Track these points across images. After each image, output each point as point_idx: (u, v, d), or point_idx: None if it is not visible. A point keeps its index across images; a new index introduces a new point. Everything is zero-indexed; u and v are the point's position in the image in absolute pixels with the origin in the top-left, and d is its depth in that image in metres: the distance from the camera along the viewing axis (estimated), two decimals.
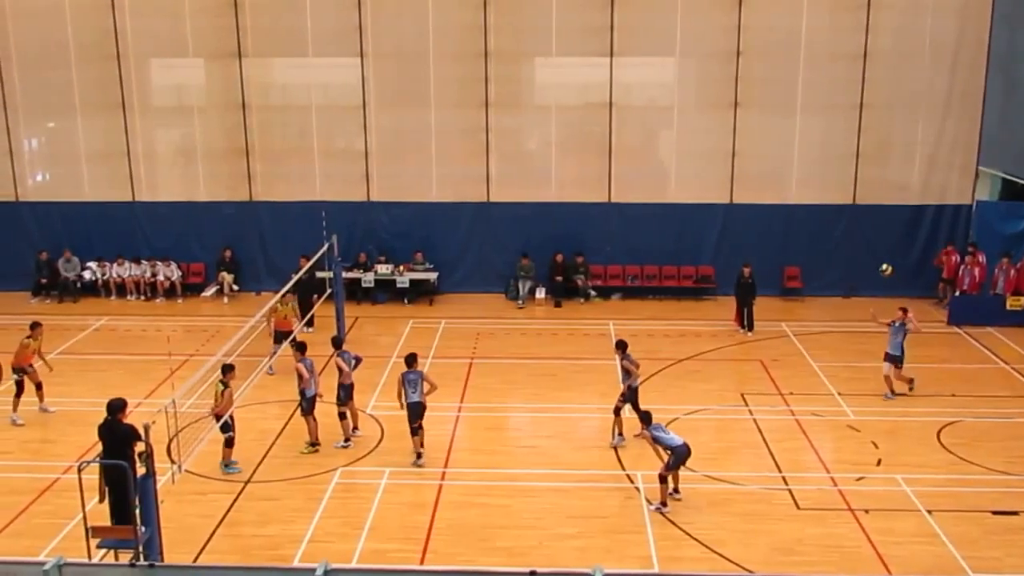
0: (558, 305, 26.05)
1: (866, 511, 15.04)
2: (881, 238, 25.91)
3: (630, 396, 17.30)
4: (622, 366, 17.34)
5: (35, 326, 19.24)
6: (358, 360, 17.78)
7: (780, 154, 26.13)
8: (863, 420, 18.43)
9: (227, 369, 16.24)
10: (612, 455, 17.06)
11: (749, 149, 25.95)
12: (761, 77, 25.53)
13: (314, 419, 17.33)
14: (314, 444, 17.35)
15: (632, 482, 16.07)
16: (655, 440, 15.29)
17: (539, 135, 27.11)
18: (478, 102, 26.06)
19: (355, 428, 17.83)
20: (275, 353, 20.42)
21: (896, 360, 19.34)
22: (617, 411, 17.40)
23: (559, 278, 26.19)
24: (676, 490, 15.46)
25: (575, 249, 26.26)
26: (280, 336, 20.66)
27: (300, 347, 17.54)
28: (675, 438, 15.29)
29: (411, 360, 16.93)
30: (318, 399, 17.38)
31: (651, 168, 26.96)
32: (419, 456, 16.81)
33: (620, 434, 17.37)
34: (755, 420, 18.54)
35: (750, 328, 23.51)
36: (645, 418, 15.67)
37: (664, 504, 15.13)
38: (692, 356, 21.62)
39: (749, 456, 17.07)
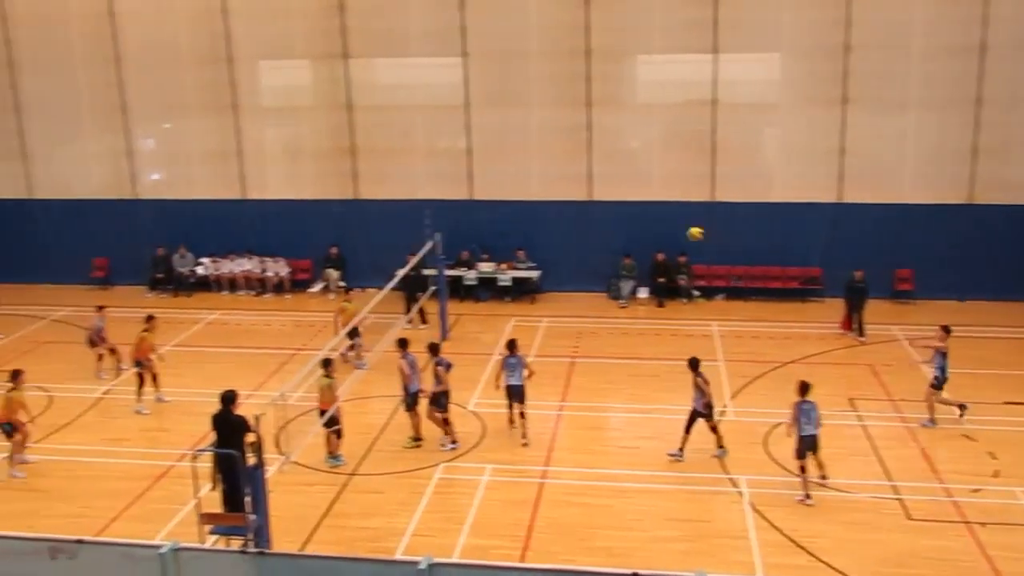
0: (660, 305, 25.83)
1: (982, 524, 14.52)
2: (1000, 239, 24.97)
3: (705, 412, 16.81)
4: (695, 384, 16.76)
5: (150, 319, 20.03)
6: (449, 366, 17.79)
7: (891, 151, 25.39)
8: (979, 429, 17.77)
9: (327, 363, 16.57)
10: (714, 459, 16.83)
11: (858, 146, 25.29)
12: (871, 72, 24.82)
13: (417, 414, 17.55)
14: (417, 439, 17.56)
15: (736, 487, 15.83)
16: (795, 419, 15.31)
17: (640, 133, 26.92)
18: (579, 100, 26.00)
19: (418, 438, 17.66)
20: (353, 346, 21.27)
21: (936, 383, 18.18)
22: (691, 425, 16.85)
23: (661, 278, 25.96)
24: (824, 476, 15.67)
25: (677, 249, 25.99)
26: (352, 333, 21.23)
27: (403, 344, 17.79)
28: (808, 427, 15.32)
29: (512, 345, 17.66)
30: (421, 395, 17.58)
31: (755, 166, 26.49)
32: (524, 437, 17.47)
33: (680, 450, 16.84)
34: (864, 426, 18.06)
35: (860, 333, 22.89)
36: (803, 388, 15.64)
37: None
38: (797, 359, 21.18)
39: (858, 463, 16.63)
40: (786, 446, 16.61)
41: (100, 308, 21.75)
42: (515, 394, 17.57)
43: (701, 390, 16.69)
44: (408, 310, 23.27)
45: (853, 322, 23.06)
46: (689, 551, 13.99)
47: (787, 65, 25.84)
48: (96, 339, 21.29)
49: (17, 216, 28.87)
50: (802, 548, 14.00)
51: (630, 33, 25.74)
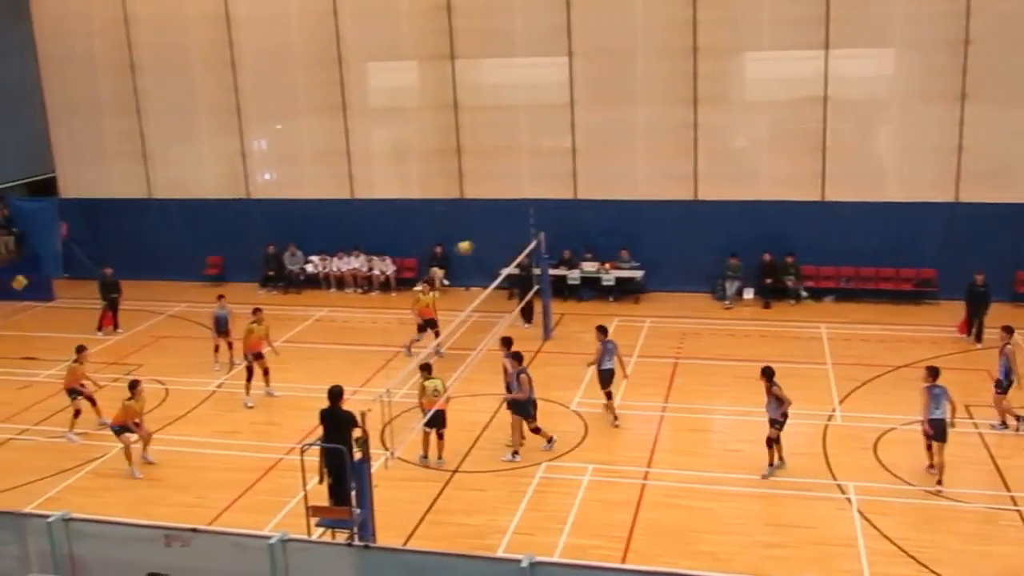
0: (767, 306, 25.38)
1: None
2: None
3: (780, 420, 16.23)
4: (772, 394, 16.13)
5: (256, 311, 20.57)
6: (529, 378, 17.36)
7: (1012, 148, 24.37)
8: None
9: (425, 368, 16.80)
10: (822, 463, 16.48)
11: (978, 144, 24.38)
12: (992, 66, 23.88)
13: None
14: (549, 440, 17.47)
15: (844, 493, 15.46)
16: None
17: (749, 131, 26.49)
18: (686, 98, 25.73)
19: (549, 439, 17.62)
20: (417, 340, 22.16)
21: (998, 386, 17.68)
22: (770, 442, 16.31)
23: (768, 279, 25.50)
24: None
25: (785, 249, 25.50)
26: (424, 324, 22.01)
27: (507, 343, 18.05)
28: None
29: (603, 330, 18.75)
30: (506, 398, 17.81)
31: (867, 165, 25.78)
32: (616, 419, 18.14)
33: (775, 462, 16.37)
34: (981, 434, 17.44)
35: (978, 338, 22.05)
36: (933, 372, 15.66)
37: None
38: (910, 363, 20.51)
39: (974, 472, 16.07)
40: (897, 452, 16.21)
41: (220, 297, 22.44)
42: (605, 379, 18.27)
43: (779, 399, 16.11)
44: (522, 309, 23.82)
45: (972, 326, 22.27)
46: (793, 557, 13.74)
47: (902, 60, 25.08)
48: (223, 327, 21.86)
49: (137, 215, 30.06)
50: (912, 558, 13.60)
51: (738, 29, 25.37)
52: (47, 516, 10.89)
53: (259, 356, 20.04)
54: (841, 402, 18.95)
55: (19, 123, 30.65)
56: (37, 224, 31.09)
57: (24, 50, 29.99)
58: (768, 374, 16.21)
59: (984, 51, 23.89)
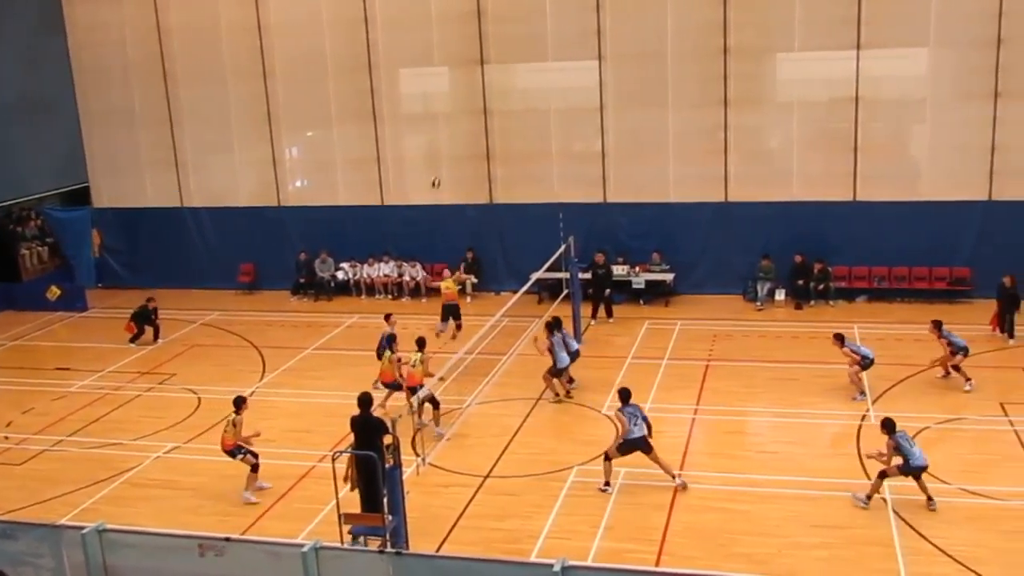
0: (799, 307, 25.22)
1: None
2: None
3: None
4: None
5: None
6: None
7: None
8: None
9: (418, 342, 18.28)
10: (857, 464, 16.33)
11: (1013, 142, 24.09)
12: None
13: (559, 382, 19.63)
14: (558, 396, 19.66)
15: (879, 493, 15.32)
16: (898, 448, 14.64)
17: (780, 132, 26.34)
18: (717, 100, 25.63)
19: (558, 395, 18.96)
20: (441, 330, 22.80)
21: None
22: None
23: (800, 280, 25.34)
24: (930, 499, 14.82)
25: (817, 250, 25.30)
26: (447, 309, 22.75)
27: (554, 325, 19.67)
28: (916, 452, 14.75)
29: (553, 326, 19.49)
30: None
31: (900, 164, 25.57)
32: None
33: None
34: (1016, 432, 17.23)
35: (1011, 335, 21.89)
36: (889, 425, 14.99)
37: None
38: (936, 364, 20.28)
39: (1011, 470, 15.87)
40: (932, 451, 16.02)
41: (388, 316, 21.10)
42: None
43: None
44: (595, 310, 24.69)
45: (1004, 323, 22.09)
46: (831, 558, 13.63)
47: (935, 59, 24.81)
48: (387, 347, 19.96)
49: (170, 224, 30.29)
50: (950, 557, 13.45)
51: (770, 30, 25.25)
52: (82, 528, 10.96)
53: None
54: (875, 402, 18.79)
55: (53, 133, 30.98)
56: (71, 234, 31.46)
57: (58, 60, 30.35)
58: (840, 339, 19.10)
59: (1017, 49, 23.63)
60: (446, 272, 25.27)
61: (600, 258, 24.89)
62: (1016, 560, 13.37)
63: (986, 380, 19.37)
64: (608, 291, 24.82)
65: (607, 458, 15.88)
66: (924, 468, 14.67)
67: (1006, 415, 17.91)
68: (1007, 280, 22.05)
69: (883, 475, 14.74)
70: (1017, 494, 15.07)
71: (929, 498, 14.70)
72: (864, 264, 25.53)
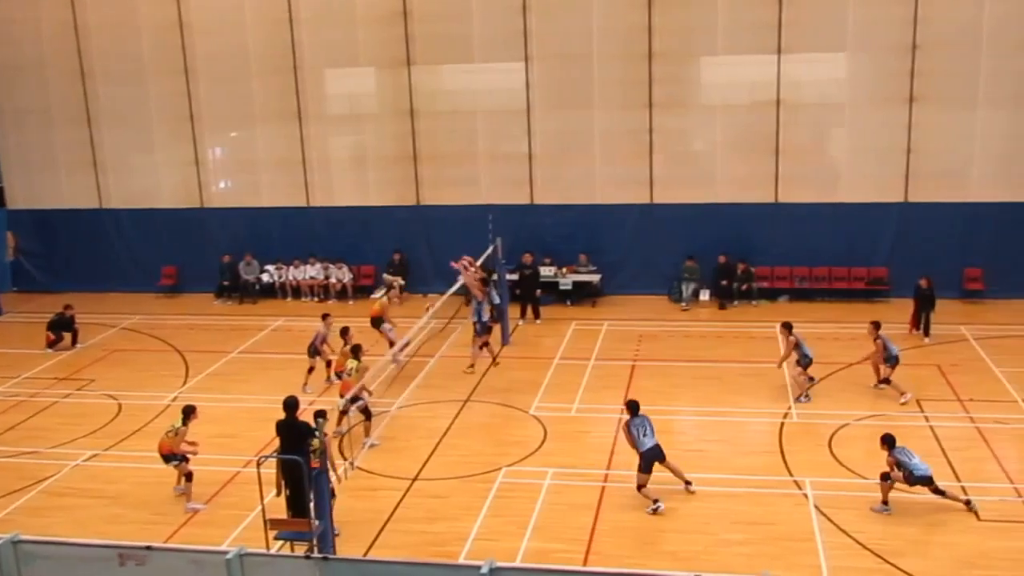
0: (722, 307, 25.62)
1: None
2: None
3: None
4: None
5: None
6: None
7: (960, 150, 24.84)
8: None
9: (354, 349, 18.29)
10: (779, 461, 16.64)
11: (926, 145, 24.83)
12: (939, 70, 24.35)
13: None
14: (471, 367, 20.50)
15: (800, 488, 15.63)
16: (898, 464, 14.78)
17: (704, 135, 26.72)
18: (642, 103, 25.91)
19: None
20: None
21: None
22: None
23: (724, 281, 25.75)
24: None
25: (740, 251, 25.74)
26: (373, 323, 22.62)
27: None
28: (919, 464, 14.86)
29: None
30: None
31: (820, 167, 26.13)
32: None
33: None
34: (931, 427, 17.72)
35: (926, 333, 22.55)
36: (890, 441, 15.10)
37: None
38: (863, 360, 20.77)
39: (927, 464, 16.26)
40: (851, 447, 16.39)
41: (325, 316, 21.35)
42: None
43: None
44: (523, 311, 25.03)
45: (921, 322, 22.74)
46: (755, 554, 13.84)
47: (853, 64, 25.42)
48: (319, 348, 20.70)
49: (89, 225, 29.55)
50: (869, 550, 13.78)
51: (693, 35, 25.58)
52: None
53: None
54: (796, 400, 19.15)
55: None
56: None
57: None
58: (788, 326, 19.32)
59: (932, 55, 24.33)
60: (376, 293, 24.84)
61: (528, 259, 25.05)
62: (932, 552, 13.75)
63: (903, 377, 19.86)
64: (539, 292, 24.91)
65: (640, 487, 15.19)
66: (929, 478, 14.71)
67: (922, 411, 18.43)
68: (923, 281, 22.70)
69: (885, 477, 14.91)
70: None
71: (967, 502, 14.74)
72: (786, 264, 26.05)
